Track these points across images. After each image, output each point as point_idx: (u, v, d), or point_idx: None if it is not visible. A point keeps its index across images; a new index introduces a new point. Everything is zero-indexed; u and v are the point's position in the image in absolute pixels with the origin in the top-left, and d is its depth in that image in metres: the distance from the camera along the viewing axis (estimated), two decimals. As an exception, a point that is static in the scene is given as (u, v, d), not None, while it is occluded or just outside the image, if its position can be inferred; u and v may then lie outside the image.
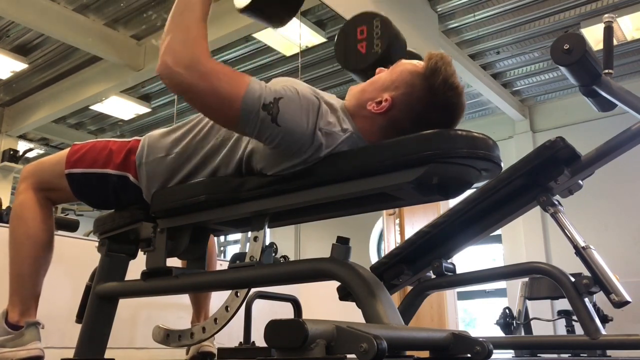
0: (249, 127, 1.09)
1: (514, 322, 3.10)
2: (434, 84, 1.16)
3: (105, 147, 1.42)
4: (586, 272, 1.63)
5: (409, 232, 3.73)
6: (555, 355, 2.86)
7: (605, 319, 2.78)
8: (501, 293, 6.47)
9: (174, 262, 1.36)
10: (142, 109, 6.40)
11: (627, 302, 1.55)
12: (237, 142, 1.26)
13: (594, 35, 4.54)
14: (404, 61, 1.26)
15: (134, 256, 1.46)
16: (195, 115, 1.38)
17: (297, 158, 1.12)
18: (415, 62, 1.24)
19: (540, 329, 3.81)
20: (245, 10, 1.21)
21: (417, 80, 1.19)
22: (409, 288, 1.96)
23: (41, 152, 7.22)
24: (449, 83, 1.16)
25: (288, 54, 5.16)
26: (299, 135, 1.10)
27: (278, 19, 1.29)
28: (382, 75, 1.26)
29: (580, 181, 1.81)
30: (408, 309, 1.89)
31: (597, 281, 1.59)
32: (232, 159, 1.26)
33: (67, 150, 1.46)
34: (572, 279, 1.65)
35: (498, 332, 3.09)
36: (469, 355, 1.02)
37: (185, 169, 1.32)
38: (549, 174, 1.69)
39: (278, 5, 1.24)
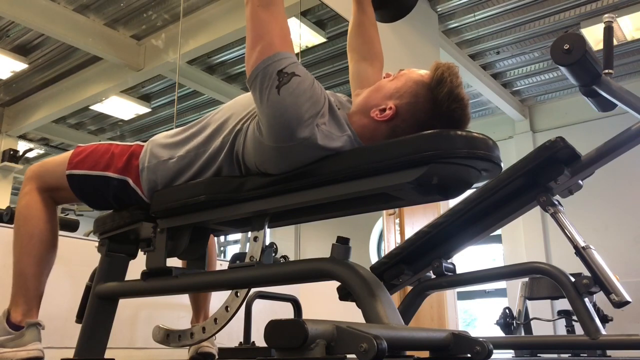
0: (257, 78, 1.12)
1: (514, 322, 3.10)
2: (438, 96, 1.16)
3: (108, 151, 1.42)
4: (586, 272, 1.64)
5: (409, 232, 3.72)
6: (555, 355, 2.86)
7: (605, 319, 2.79)
8: (501, 293, 6.48)
9: (174, 262, 1.36)
10: (142, 109, 6.39)
11: (627, 302, 1.55)
12: (234, 141, 1.26)
13: (594, 35, 4.54)
14: (410, 69, 1.26)
15: (134, 256, 1.46)
16: (198, 119, 1.38)
17: (283, 143, 1.12)
18: (421, 71, 1.24)
19: (540, 329, 3.82)
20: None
21: (422, 90, 1.18)
22: (409, 288, 1.97)
23: (41, 152, 7.20)
24: (454, 95, 1.16)
25: (288, 54, 5.15)
26: (291, 115, 1.09)
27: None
28: (388, 82, 1.26)
29: (580, 181, 1.81)
30: (408, 309, 1.89)
31: (597, 281, 1.59)
32: (231, 159, 1.26)
33: (71, 151, 1.47)
34: (572, 279, 1.66)
35: (498, 332, 3.09)
36: (469, 355, 1.02)
37: (188, 173, 1.32)
38: (549, 174, 1.69)
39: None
